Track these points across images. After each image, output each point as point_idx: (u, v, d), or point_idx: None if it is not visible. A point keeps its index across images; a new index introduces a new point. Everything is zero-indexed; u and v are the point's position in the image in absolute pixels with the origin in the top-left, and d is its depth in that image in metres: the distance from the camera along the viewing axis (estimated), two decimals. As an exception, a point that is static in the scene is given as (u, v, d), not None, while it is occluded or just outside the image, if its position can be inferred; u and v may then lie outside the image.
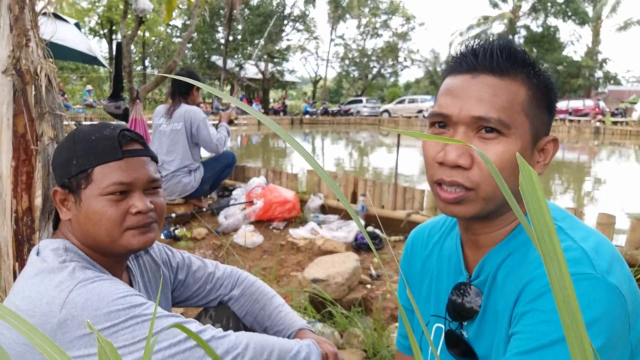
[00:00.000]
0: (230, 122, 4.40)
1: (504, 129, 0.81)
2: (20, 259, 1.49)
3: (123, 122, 4.36)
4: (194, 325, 0.99)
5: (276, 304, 1.32)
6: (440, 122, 0.87)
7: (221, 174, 4.25)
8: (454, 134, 0.84)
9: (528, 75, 0.84)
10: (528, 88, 0.84)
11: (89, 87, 24.85)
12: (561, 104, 26.60)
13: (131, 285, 1.18)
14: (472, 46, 0.87)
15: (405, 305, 1.15)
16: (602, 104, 26.90)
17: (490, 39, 0.87)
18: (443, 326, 0.97)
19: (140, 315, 0.93)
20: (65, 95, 22.15)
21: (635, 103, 25.61)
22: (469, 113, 0.82)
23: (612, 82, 37.55)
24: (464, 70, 0.85)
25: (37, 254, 1.04)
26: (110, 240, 1.03)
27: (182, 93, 3.99)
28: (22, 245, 1.49)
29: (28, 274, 1.00)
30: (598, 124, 22.86)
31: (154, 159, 1.12)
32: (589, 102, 27.01)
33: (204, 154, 4.39)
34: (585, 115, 25.15)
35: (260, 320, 1.31)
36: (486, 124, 0.81)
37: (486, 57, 0.84)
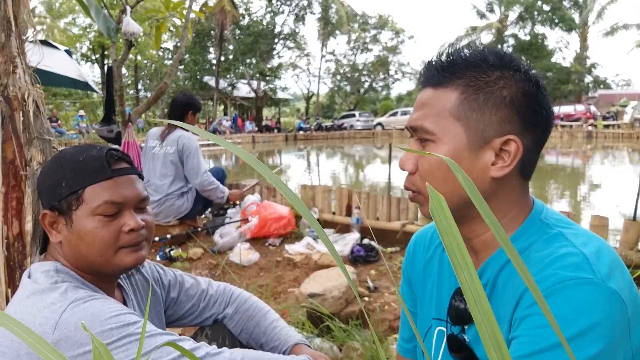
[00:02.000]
0: (234, 203, 4.42)
1: (429, 136, 0.87)
2: (13, 285, 1.48)
3: (116, 146, 4.37)
4: (188, 343, 0.99)
5: (270, 319, 1.31)
6: (409, 133, 0.94)
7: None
8: (411, 142, 0.93)
9: (474, 79, 0.86)
10: (462, 92, 0.85)
11: (81, 112, 24.91)
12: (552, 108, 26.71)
13: (125, 304, 1.18)
14: (425, 62, 0.94)
15: (409, 309, 1.15)
16: (593, 108, 27.15)
17: (439, 51, 0.91)
18: (445, 330, 0.97)
19: (134, 334, 0.93)
20: (59, 122, 22.17)
21: (625, 106, 25.82)
22: (410, 123, 0.91)
23: (602, 86, 37.90)
24: (421, 85, 0.94)
25: (29, 276, 1.03)
26: (104, 260, 1.03)
27: (177, 117, 3.96)
28: (14, 272, 1.49)
29: (20, 297, 1.00)
30: (590, 128, 23.04)
31: (141, 176, 1.13)
32: (580, 107, 27.25)
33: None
34: (577, 120, 25.35)
35: (256, 336, 1.30)
36: (418, 133, 0.89)
37: (427, 71, 0.91)
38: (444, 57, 0.89)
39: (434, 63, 0.89)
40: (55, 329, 0.91)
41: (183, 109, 3.98)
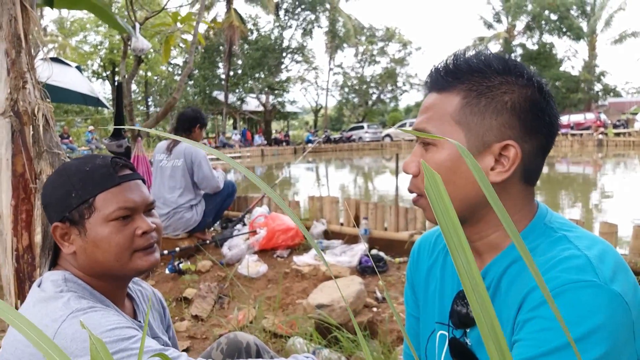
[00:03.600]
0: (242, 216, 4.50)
1: (430, 140, 0.89)
2: (22, 296, 1.50)
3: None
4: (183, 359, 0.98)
5: None
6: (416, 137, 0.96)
7: (222, 204, 4.27)
8: (415, 147, 0.95)
9: (477, 83, 0.86)
10: (463, 97, 0.86)
11: (90, 128, 25.20)
12: (562, 119, 26.52)
13: (135, 314, 1.19)
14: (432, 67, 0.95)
15: (412, 313, 1.15)
16: (603, 116, 26.96)
17: (445, 57, 0.92)
18: (447, 334, 0.97)
19: (128, 349, 0.94)
20: (70, 138, 22.44)
21: (636, 114, 25.66)
22: (414, 127, 0.94)
23: (611, 94, 37.66)
24: (426, 90, 0.95)
25: (39, 285, 1.06)
26: (120, 265, 1.06)
27: (184, 130, 4.06)
28: (24, 283, 1.51)
29: (28, 305, 1.02)
30: (601, 136, 22.86)
31: (144, 181, 1.16)
32: (590, 116, 27.09)
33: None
34: (587, 128, 25.17)
35: None
36: (419, 138, 0.91)
37: (431, 77, 0.93)
38: (448, 63, 0.90)
39: (439, 68, 0.91)
40: (53, 338, 0.93)
41: (190, 123, 4.06)
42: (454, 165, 0.86)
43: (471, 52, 0.91)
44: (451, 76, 0.88)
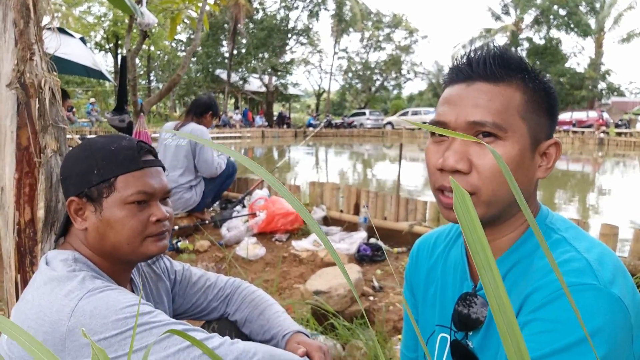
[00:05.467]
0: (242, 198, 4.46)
1: (500, 133, 0.82)
2: (22, 270, 1.49)
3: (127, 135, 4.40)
4: (200, 334, 1.00)
5: (275, 310, 1.33)
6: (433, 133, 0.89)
7: (222, 185, 4.27)
8: (453, 141, 0.85)
9: (523, 80, 0.85)
10: (523, 92, 0.85)
11: (92, 100, 25.02)
12: (565, 116, 26.59)
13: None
14: (468, 56, 0.89)
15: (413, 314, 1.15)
16: (605, 115, 26.88)
17: (485, 47, 0.88)
18: (448, 336, 0.97)
19: (148, 323, 0.95)
20: (74, 110, 22.21)
21: (639, 114, 25.57)
22: (465, 119, 0.84)
23: (615, 93, 37.52)
24: (460, 80, 0.88)
25: (47, 263, 1.05)
26: (130, 248, 1.06)
27: (197, 114, 4.10)
28: (24, 257, 1.50)
29: (38, 283, 1.01)
30: (602, 135, 22.83)
31: (164, 169, 1.17)
32: (593, 114, 27.01)
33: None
34: (589, 126, 25.13)
35: (259, 324, 1.31)
36: (482, 129, 0.83)
37: (480, 66, 0.86)
38: (497, 54, 0.86)
39: (490, 57, 0.85)
40: (71, 316, 0.93)
41: (205, 108, 4.13)
42: (522, 160, 0.84)
43: (488, 47, 0.88)
44: (506, 68, 0.85)
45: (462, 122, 0.84)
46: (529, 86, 0.85)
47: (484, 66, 0.85)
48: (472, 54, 0.89)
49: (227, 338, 1.02)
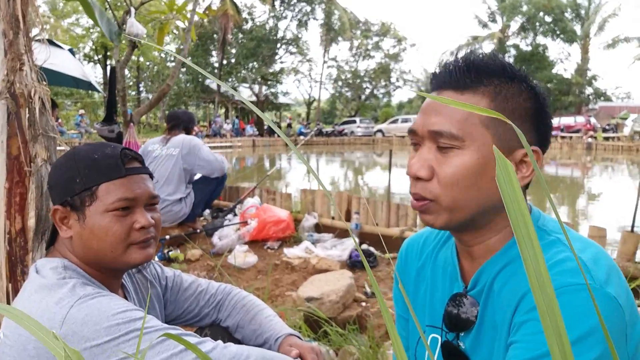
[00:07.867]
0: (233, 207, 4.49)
1: (456, 142, 0.84)
2: (14, 280, 1.49)
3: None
4: (192, 338, 1.00)
5: (266, 314, 1.33)
6: (413, 138, 0.91)
7: (212, 194, 4.27)
8: (421, 149, 0.88)
9: (495, 87, 0.85)
10: (491, 100, 0.85)
11: (81, 111, 24.89)
12: (552, 121, 26.74)
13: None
14: (440, 65, 0.90)
15: (401, 314, 1.14)
16: (593, 120, 27.18)
17: (456, 56, 0.89)
18: (439, 337, 0.97)
19: (141, 329, 0.95)
20: (60, 121, 22.14)
21: (625, 119, 25.86)
22: (428, 128, 0.86)
23: (602, 98, 37.96)
24: (434, 89, 0.90)
25: (37, 272, 1.05)
26: (114, 256, 1.06)
27: (185, 127, 4.16)
28: (15, 267, 1.50)
29: (29, 292, 1.01)
30: (590, 139, 23.07)
31: (152, 176, 1.16)
32: (580, 119, 27.28)
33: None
34: (577, 131, 25.38)
35: (251, 328, 1.31)
36: (440, 138, 0.85)
37: (447, 75, 0.88)
38: (465, 61, 0.86)
39: (457, 66, 0.86)
40: (62, 324, 0.93)
41: (190, 122, 4.24)
42: (483, 168, 0.83)
43: (481, 52, 0.89)
44: (473, 76, 0.85)
45: (425, 130, 0.87)
46: (500, 93, 0.85)
47: (451, 75, 0.87)
48: (444, 62, 0.90)
49: (219, 342, 1.02)
